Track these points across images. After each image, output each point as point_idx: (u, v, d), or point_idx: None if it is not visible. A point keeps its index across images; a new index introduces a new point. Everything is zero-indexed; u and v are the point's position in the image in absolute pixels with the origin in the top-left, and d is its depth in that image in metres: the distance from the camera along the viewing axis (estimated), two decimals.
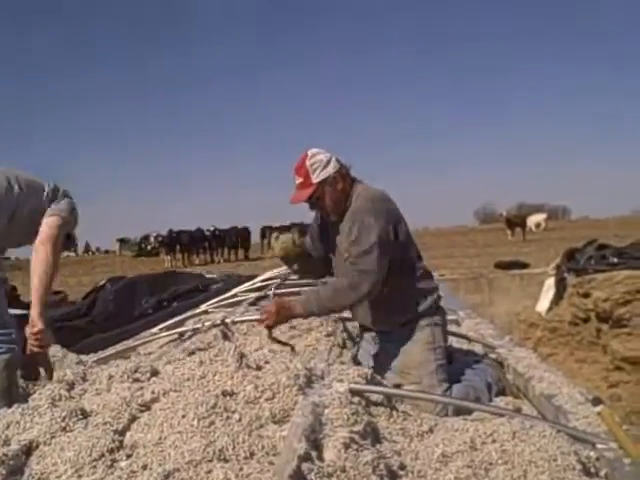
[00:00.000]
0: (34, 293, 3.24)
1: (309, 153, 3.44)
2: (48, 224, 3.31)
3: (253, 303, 5.81)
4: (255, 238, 33.50)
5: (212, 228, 30.93)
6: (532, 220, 37.74)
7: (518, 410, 2.98)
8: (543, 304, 8.55)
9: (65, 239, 3.46)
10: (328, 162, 3.42)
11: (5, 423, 2.27)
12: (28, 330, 3.25)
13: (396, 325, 3.49)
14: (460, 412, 2.91)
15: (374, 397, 2.69)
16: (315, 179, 3.39)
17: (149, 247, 36.60)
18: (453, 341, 4.13)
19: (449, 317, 4.30)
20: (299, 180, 3.43)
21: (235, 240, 31.70)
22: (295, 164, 3.46)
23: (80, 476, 1.91)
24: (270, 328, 3.45)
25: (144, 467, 1.90)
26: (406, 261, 3.46)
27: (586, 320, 7.08)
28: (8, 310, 3.39)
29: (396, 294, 3.40)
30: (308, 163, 3.40)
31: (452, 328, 4.35)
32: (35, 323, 3.22)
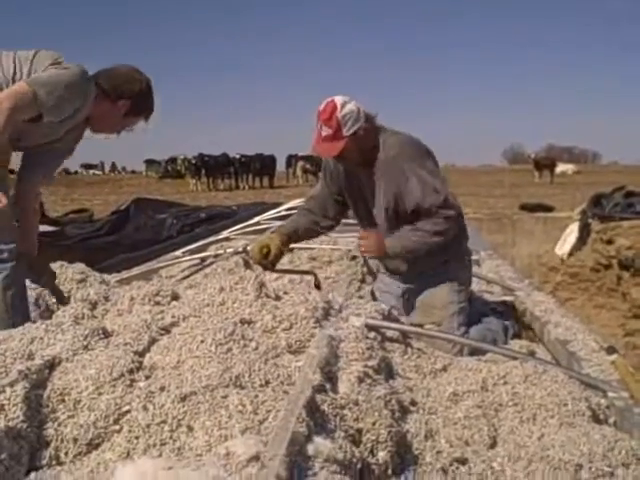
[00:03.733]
0: None
1: (338, 103, 3.23)
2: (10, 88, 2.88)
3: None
4: (280, 166, 33.44)
5: (238, 156, 30.79)
6: (560, 169, 37.09)
7: (532, 354, 3.00)
8: (564, 248, 8.51)
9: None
10: (359, 113, 3.25)
11: (29, 338, 2.32)
12: None
13: (433, 266, 3.43)
14: (475, 353, 2.94)
15: (390, 333, 2.73)
16: (346, 132, 3.22)
17: (176, 169, 36.60)
18: (473, 282, 4.15)
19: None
20: (328, 132, 3.24)
21: (260, 167, 31.59)
22: (321, 112, 3.26)
23: (100, 393, 1.96)
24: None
25: (162, 389, 1.95)
26: (448, 199, 3.34)
27: (607, 267, 7.08)
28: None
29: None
30: (339, 115, 3.21)
31: (473, 268, 4.36)
32: None
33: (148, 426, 1.80)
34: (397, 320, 2.91)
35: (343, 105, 3.23)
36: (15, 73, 2.96)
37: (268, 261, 3.44)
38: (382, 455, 1.84)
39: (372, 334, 2.53)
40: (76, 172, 53.04)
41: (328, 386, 2.01)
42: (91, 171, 55.62)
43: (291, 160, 31.79)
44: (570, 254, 8.14)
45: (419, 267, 3.44)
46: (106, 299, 2.76)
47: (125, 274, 4.75)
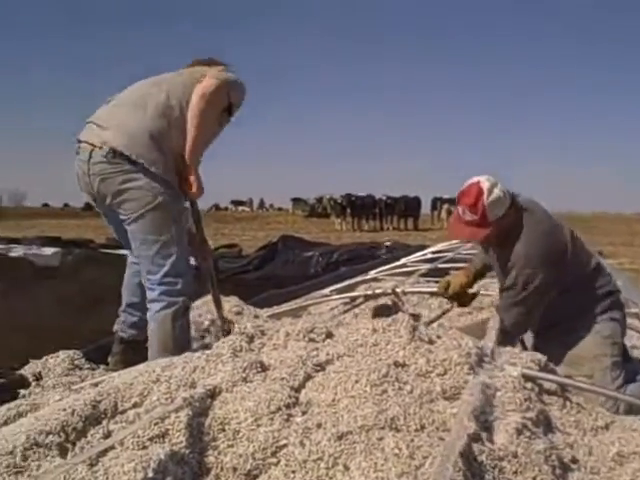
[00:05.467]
0: (187, 143, 3.23)
1: (484, 188, 3.13)
2: (205, 82, 3.24)
3: (425, 274, 5.79)
4: (425, 208, 33.26)
5: (384, 197, 30.90)
6: None
7: None
8: None
9: (225, 112, 3.39)
10: (504, 197, 3.16)
11: (192, 367, 2.42)
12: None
13: (568, 318, 3.32)
14: (631, 412, 2.78)
15: (547, 385, 2.63)
16: (492, 218, 3.15)
17: (320, 209, 37.23)
18: (634, 337, 3.93)
19: (629, 310, 4.09)
20: (472, 218, 3.16)
21: (405, 209, 31.53)
22: (464, 196, 3.19)
23: (259, 425, 2.02)
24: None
25: (318, 425, 1.98)
26: (579, 277, 3.28)
27: None
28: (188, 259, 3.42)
29: (572, 303, 3.27)
30: (486, 202, 3.11)
31: (633, 322, 4.14)
32: (189, 171, 3.25)
33: (305, 462, 1.83)
34: (554, 372, 2.81)
35: (490, 191, 3.13)
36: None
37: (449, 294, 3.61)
38: None
39: (529, 384, 2.45)
40: (226, 208, 55.27)
41: (484, 435, 1.97)
42: (240, 207, 57.62)
43: (436, 203, 31.52)
44: None
45: (552, 319, 3.35)
46: (262, 333, 2.83)
47: (276, 309, 4.86)
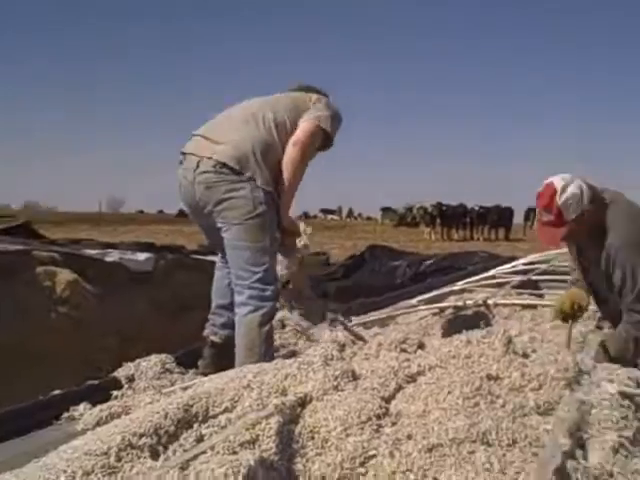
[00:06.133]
0: (283, 192, 3.37)
1: (557, 187, 3.10)
2: (302, 128, 3.41)
3: (516, 286, 5.66)
4: (518, 219, 32.61)
5: (477, 207, 30.46)
6: None
7: None
8: None
9: (324, 140, 3.53)
10: (582, 195, 3.09)
11: (283, 374, 2.44)
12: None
13: None
14: None
15: None
16: (569, 217, 3.10)
17: (410, 218, 37.00)
18: None
19: None
20: (549, 218, 3.14)
21: (497, 219, 31.00)
22: (540, 198, 3.17)
23: (348, 435, 2.02)
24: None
25: (408, 437, 1.96)
26: None
27: None
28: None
29: None
30: (560, 201, 3.07)
31: None
32: (284, 217, 3.39)
33: (394, 473, 1.82)
34: None
35: (564, 189, 3.09)
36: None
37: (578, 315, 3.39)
38: None
39: (626, 402, 2.36)
40: (315, 216, 55.57)
41: (579, 453, 1.91)
42: (329, 216, 57.87)
43: (529, 214, 30.84)
44: None
45: None
46: (353, 342, 2.83)
47: (364, 318, 4.85)
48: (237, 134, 3.33)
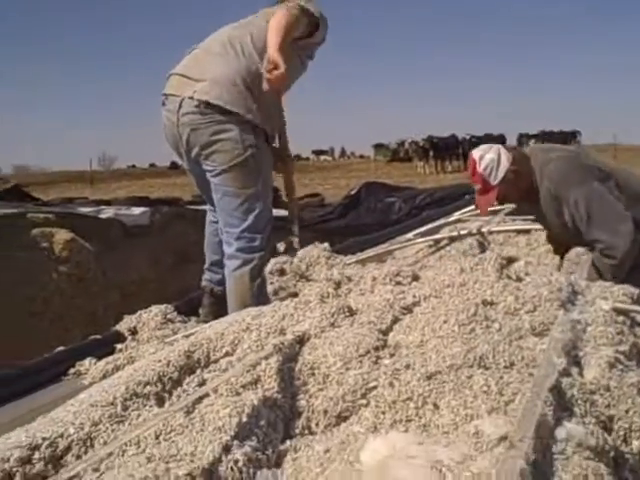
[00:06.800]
0: (268, 41, 3.03)
1: (475, 158, 3.32)
2: (277, 13, 3.09)
3: (510, 213, 5.67)
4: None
5: (468, 136, 30.27)
6: None
7: None
8: None
9: (309, 23, 3.21)
10: (499, 158, 3.27)
11: (281, 315, 2.48)
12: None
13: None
14: None
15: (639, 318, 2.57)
16: (494, 181, 3.28)
17: (402, 153, 36.83)
18: None
19: None
20: (478, 187, 3.34)
21: None
22: (468, 171, 3.42)
23: (348, 369, 2.05)
24: None
25: (407, 367, 1.99)
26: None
27: None
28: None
29: None
30: (480, 169, 3.28)
31: None
32: (273, 59, 2.95)
33: (394, 402, 1.85)
34: None
35: (481, 158, 3.30)
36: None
37: None
38: (637, 444, 1.75)
39: (621, 318, 2.40)
40: (307, 158, 55.24)
41: (575, 370, 1.95)
42: (322, 157, 57.45)
43: (522, 139, 30.78)
44: None
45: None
46: (349, 279, 2.85)
47: (360, 255, 4.87)
48: (217, 68, 3.13)
